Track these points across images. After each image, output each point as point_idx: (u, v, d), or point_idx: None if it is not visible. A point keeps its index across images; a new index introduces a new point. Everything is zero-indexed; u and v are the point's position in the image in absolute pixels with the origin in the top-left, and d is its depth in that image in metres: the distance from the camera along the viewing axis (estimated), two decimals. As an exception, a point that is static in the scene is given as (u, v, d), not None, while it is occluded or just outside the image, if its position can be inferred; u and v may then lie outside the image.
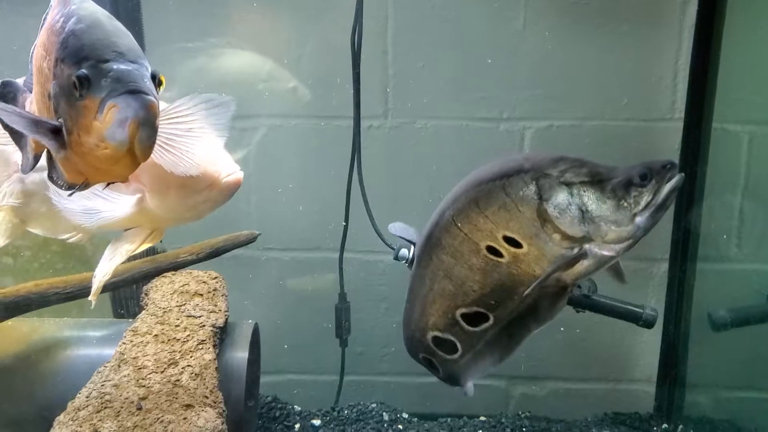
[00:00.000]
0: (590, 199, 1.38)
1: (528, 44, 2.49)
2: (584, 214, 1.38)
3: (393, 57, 2.53)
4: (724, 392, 2.54)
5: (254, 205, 2.64)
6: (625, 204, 1.37)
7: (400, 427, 2.36)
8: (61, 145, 1.15)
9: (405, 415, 2.43)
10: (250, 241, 2.26)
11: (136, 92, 1.08)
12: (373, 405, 2.47)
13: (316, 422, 2.41)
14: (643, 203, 1.37)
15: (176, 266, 2.17)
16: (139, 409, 1.88)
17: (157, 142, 1.22)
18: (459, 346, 1.60)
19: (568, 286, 1.49)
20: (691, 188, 2.45)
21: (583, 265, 1.42)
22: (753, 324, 2.30)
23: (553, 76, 2.51)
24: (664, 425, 2.43)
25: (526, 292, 1.47)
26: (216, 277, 2.23)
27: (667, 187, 1.38)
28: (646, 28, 2.45)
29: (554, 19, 2.46)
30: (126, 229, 1.66)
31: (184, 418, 1.86)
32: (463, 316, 1.56)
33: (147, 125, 1.09)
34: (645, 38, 2.45)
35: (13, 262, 2.31)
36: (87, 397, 1.90)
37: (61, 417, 1.87)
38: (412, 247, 1.92)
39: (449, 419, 2.45)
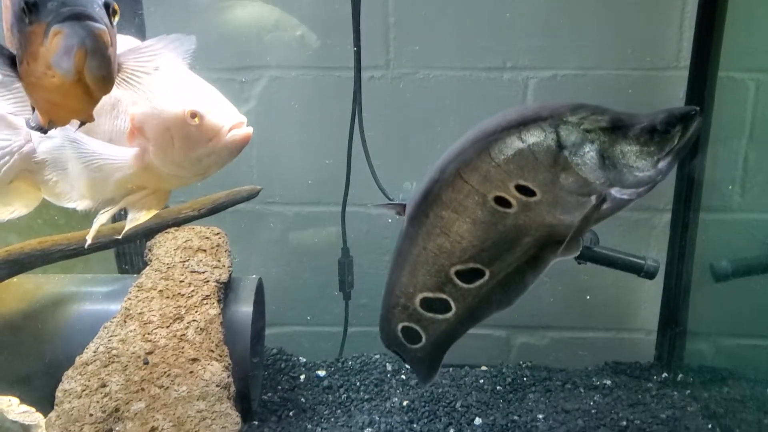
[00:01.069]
0: (613, 146, 1.37)
1: (531, -9, 2.44)
2: (605, 161, 1.37)
3: (394, 5, 2.49)
4: (724, 341, 2.56)
5: (255, 158, 2.62)
6: (648, 150, 1.36)
7: (403, 377, 2.39)
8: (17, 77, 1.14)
9: (408, 367, 2.45)
10: (252, 196, 2.26)
11: (83, 18, 1.05)
12: (377, 356, 2.50)
13: (321, 373, 2.44)
14: (667, 149, 1.36)
15: (178, 222, 2.18)
16: (146, 363, 1.91)
17: (123, 77, 1.21)
18: (452, 304, 1.59)
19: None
20: (696, 137, 2.43)
21: (599, 210, 1.42)
22: (755, 275, 2.30)
23: (557, 25, 2.46)
24: (664, 374, 2.46)
25: (567, 241, 1.44)
26: (219, 233, 2.24)
27: (690, 132, 1.38)
28: (651, -25, 2.40)
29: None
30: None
31: (191, 372, 1.89)
32: (457, 273, 1.55)
33: (96, 54, 1.06)
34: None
35: (17, 219, 2.31)
36: (94, 352, 1.93)
37: (69, 372, 1.90)
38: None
39: (451, 369, 2.47)
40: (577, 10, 2.43)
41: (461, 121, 2.54)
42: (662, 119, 1.38)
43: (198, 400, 1.83)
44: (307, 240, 2.70)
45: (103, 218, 1.59)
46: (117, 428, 1.78)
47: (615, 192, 1.41)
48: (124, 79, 1.24)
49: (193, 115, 1.45)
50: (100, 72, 1.08)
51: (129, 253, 2.40)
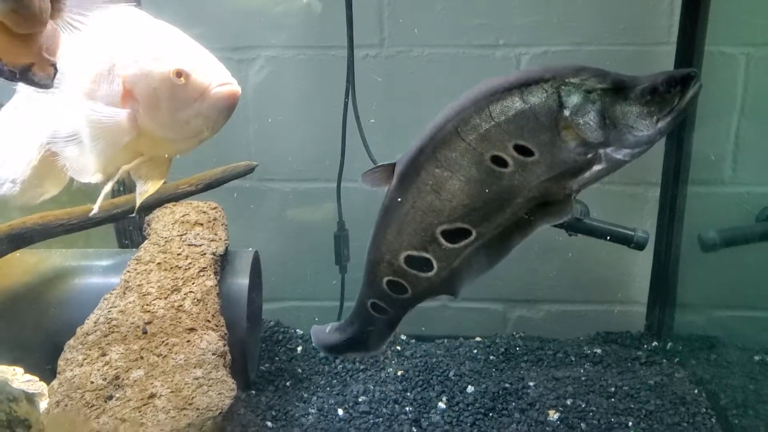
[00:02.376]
0: (613, 106, 1.41)
1: (523, -32, 2.48)
2: (605, 121, 1.41)
3: (388, -18, 2.54)
4: (712, 311, 2.61)
5: (252, 136, 2.67)
6: (649, 110, 1.41)
7: (399, 348, 2.44)
8: None
9: (403, 337, 2.51)
10: (248, 171, 2.30)
11: None
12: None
13: (317, 345, 2.50)
14: (667, 109, 1.40)
15: (176, 197, 2.22)
16: (145, 333, 1.96)
17: (65, 18, 1.21)
18: (435, 263, 1.60)
19: (572, 194, 1.51)
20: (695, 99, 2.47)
21: (593, 170, 1.45)
22: (741, 244, 2.35)
23: (548, 1, 2.50)
24: (654, 343, 2.50)
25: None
26: (215, 208, 2.29)
27: (689, 93, 1.41)
28: (642, -50, 2.44)
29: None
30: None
31: (188, 341, 1.94)
32: (443, 233, 1.57)
33: None
34: (641, -40, 2.45)
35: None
36: (95, 323, 1.99)
37: (71, 342, 1.96)
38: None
39: (446, 340, 2.52)
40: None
41: (455, 98, 2.58)
42: (663, 80, 1.42)
43: (195, 367, 1.88)
44: (304, 216, 2.75)
45: (107, 187, 1.62)
46: (117, 395, 1.84)
47: (611, 152, 1.45)
48: (67, 21, 1.24)
49: (179, 74, 1.43)
50: (5, 5, 1.08)
51: (129, 228, 2.45)
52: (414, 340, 2.51)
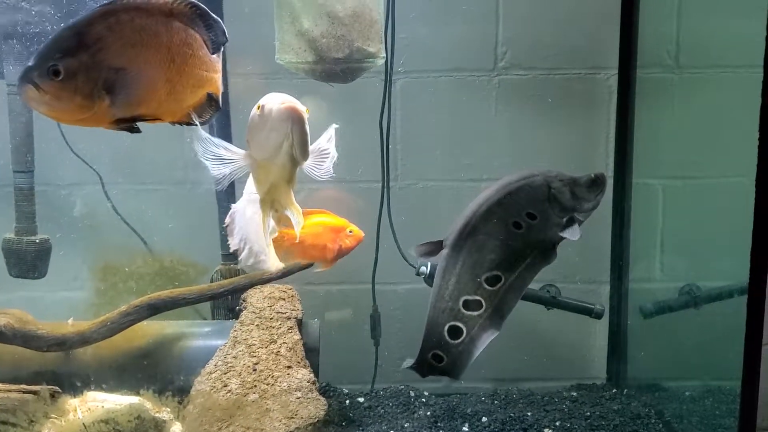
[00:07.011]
0: (575, 188, 2.33)
1: (499, 125, 3.42)
2: (573, 196, 2.32)
3: (401, 137, 3.46)
4: (655, 363, 3.42)
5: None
6: (592, 190, 2.35)
7: (423, 400, 3.16)
8: None
9: (426, 393, 3.23)
10: (308, 266, 3.08)
11: None
12: (401, 387, 3.27)
13: (361, 399, 3.19)
14: (599, 191, 2.36)
15: (263, 281, 2.96)
16: (254, 370, 2.66)
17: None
18: (483, 303, 2.29)
19: (557, 243, 2.34)
20: (621, 227, 3.38)
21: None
22: (671, 312, 3.21)
23: (519, 148, 3.42)
24: (614, 390, 3.30)
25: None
26: (291, 288, 3.01)
27: (605, 183, 2.38)
28: (585, 112, 3.41)
29: (518, 108, 3.42)
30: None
31: (288, 374, 2.64)
32: (485, 279, 2.29)
33: None
34: (584, 119, 3.41)
35: (135, 285, 3.10)
36: (215, 365, 2.67)
37: (198, 378, 2.62)
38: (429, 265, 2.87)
39: (458, 395, 3.27)
40: (535, 136, 3.40)
41: (449, 217, 3.44)
42: (595, 176, 2.37)
43: (296, 390, 2.59)
44: (342, 307, 3.52)
45: (271, 253, 2.39)
46: (239, 413, 2.53)
47: (577, 215, 2.34)
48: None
49: (258, 107, 1.98)
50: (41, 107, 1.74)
51: (218, 307, 3.18)
52: (434, 396, 3.23)
